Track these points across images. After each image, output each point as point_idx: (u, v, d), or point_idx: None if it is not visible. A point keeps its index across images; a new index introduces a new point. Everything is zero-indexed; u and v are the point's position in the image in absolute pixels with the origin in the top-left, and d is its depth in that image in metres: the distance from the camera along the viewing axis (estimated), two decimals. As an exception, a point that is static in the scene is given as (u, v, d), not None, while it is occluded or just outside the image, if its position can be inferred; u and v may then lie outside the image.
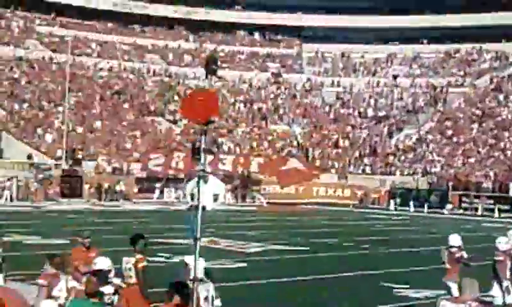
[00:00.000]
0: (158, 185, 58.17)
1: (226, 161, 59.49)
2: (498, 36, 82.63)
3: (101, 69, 78.52)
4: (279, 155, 65.40)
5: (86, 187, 55.39)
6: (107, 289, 9.51)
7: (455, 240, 15.52)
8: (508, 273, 15.18)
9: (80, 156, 59.96)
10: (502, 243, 15.28)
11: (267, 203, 57.36)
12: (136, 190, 57.99)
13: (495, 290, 15.00)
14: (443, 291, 18.48)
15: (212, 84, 12.89)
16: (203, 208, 9.79)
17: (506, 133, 67.58)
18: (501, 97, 74.80)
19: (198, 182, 9.78)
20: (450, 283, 14.67)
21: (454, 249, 15.34)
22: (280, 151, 69.96)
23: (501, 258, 15.09)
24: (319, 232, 35.94)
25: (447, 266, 15.27)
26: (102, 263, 10.90)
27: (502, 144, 65.93)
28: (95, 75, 76.80)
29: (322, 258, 25.72)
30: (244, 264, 22.78)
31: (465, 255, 15.35)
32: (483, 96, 76.54)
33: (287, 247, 27.77)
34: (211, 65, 10.52)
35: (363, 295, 18.17)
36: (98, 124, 66.72)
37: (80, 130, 64.71)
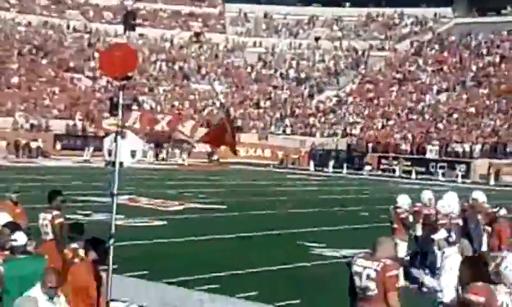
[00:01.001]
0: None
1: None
2: (419, 0, 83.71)
3: (19, 24, 76.84)
4: (200, 115, 65.16)
5: (2, 143, 54.32)
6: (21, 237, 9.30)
7: (402, 200, 15.82)
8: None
9: (-4, 111, 58.82)
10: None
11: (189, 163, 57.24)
12: (59, 147, 57.30)
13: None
14: (359, 251, 18.81)
15: (131, 40, 12.74)
16: (121, 164, 9.72)
17: (425, 97, 68.72)
18: (420, 61, 75.90)
19: (115, 138, 9.69)
20: (398, 240, 14.95)
21: (400, 210, 15.62)
22: (202, 110, 69.85)
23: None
24: (238, 191, 36.07)
25: (395, 225, 15.54)
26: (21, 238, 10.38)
27: (420, 107, 67.05)
28: (12, 29, 75.11)
29: (240, 216, 25.82)
30: (164, 222, 22.75)
31: (410, 218, 15.59)
32: (403, 60, 77.57)
33: (206, 206, 27.80)
34: (129, 20, 10.39)
35: (280, 254, 18.33)
36: (15, 80, 65.40)
37: (-3, 85, 63.45)
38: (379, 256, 8.20)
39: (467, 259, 8.70)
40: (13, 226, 9.81)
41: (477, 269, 7.84)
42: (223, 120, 13.41)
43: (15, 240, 9.22)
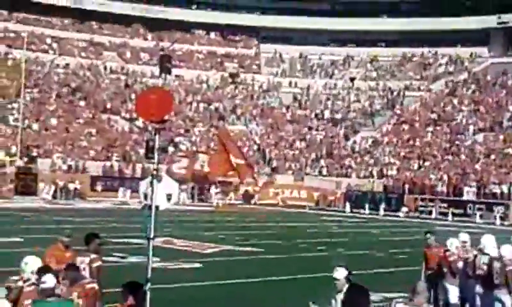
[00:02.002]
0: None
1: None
2: (454, 40, 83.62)
3: (57, 66, 77.88)
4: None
5: (40, 184, 54.83)
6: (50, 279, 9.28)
7: (450, 243, 15.37)
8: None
9: (35, 153, 59.37)
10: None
11: (226, 204, 57.18)
12: (99, 188, 57.73)
13: None
14: (397, 294, 18.57)
15: (167, 82, 12.84)
16: (157, 207, 9.73)
17: (460, 137, 68.27)
18: (455, 101, 75.53)
19: (151, 181, 9.72)
20: (447, 284, 14.75)
21: (448, 253, 15.24)
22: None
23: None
24: (275, 233, 35.94)
25: (444, 269, 15.15)
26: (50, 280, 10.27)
27: (456, 148, 66.55)
28: (51, 71, 76.10)
29: (276, 259, 25.69)
30: (200, 265, 22.69)
31: (460, 264, 15.11)
32: (438, 100, 77.25)
33: (243, 249, 27.71)
34: (165, 63, 10.47)
35: (317, 296, 18.16)
36: (53, 121, 66.09)
37: (35, 127, 64.08)
38: (419, 302, 8.11)
39: None
40: (43, 269, 9.83)
41: None
42: (219, 138, 13.15)
43: (44, 283, 9.24)
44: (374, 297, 18.10)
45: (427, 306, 8.16)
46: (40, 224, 31.16)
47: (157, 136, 9.82)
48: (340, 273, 10.11)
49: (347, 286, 9.84)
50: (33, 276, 9.68)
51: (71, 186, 55.57)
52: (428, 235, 16.54)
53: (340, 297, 10.01)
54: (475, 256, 14.68)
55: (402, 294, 18.23)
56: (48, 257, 12.33)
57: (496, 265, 13.92)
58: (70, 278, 9.79)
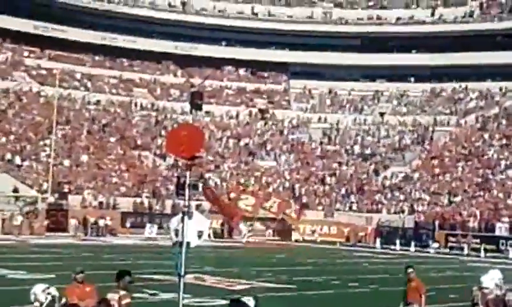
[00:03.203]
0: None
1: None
2: (484, 75, 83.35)
3: (88, 102, 78.56)
4: (265, 191, 65.04)
5: (71, 221, 55.08)
6: None
7: (487, 280, 15.23)
8: None
9: (66, 189, 59.75)
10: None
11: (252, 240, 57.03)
12: (127, 225, 57.96)
13: None
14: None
15: (197, 118, 12.88)
16: (188, 244, 9.72)
17: (491, 173, 67.78)
18: (486, 136, 75.11)
19: (182, 218, 9.71)
20: None
21: (487, 291, 15.09)
22: (267, 187, 69.90)
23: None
24: (306, 270, 35.77)
25: None
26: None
27: (487, 184, 66.05)
28: (82, 108, 76.76)
29: (309, 296, 25.55)
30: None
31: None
32: (469, 135, 76.83)
33: (274, 285, 27.59)
34: (196, 100, 10.53)
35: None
36: (84, 157, 66.54)
37: (67, 163, 64.53)
38: None
39: None
40: None
41: None
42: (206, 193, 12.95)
43: None
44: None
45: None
46: (71, 260, 31.24)
47: (187, 172, 9.82)
48: (250, 303, 9.96)
49: None
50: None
51: (101, 222, 55.75)
52: (410, 270, 17.29)
53: None
54: (505, 294, 14.54)
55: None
56: (69, 295, 12.42)
57: None
58: None
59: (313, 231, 62.40)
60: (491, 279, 15.07)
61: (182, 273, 9.70)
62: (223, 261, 37.89)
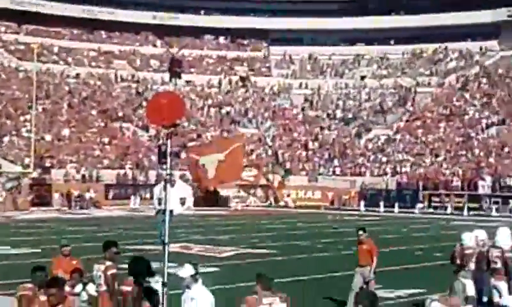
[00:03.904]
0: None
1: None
2: (464, 35, 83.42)
3: (68, 76, 78.11)
4: (248, 158, 65.10)
5: (55, 195, 54.96)
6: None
7: (467, 238, 15.45)
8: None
9: (48, 164, 59.53)
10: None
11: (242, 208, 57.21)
12: (110, 197, 57.88)
13: None
14: (413, 291, 18.55)
15: (178, 88, 12.83)
16: (171, 212, 9.72)
17: (473, 132, 68.07)
18: (467, 96, 75.35)
19: (164, 186, 9.70)
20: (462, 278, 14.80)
21: (465, 247, 15.35)
22: (250, 154, 69.97)
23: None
24: (291, 234, 35.89)
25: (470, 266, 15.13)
26: None
27: (469, 143, 66.35)
28: (62, 82, 76.33)
29: (293, 260, 25.66)
30: (217, 268, 22.68)
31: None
32: (450, 95, 77.06)
33: (259, 251, 27.68)
34: (175, 68, 10.47)
35: (335, 296, 18.14)
36: (66, 131, 66.25)
37: (48, 138, 64.22)
38: (457, 301, 8.12)
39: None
40: (52, 280, 9.88)
41: None
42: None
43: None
44: (392, 294, 18.12)
45: (464, 306, 8.18)
46: (56, 234, 31.20)
47: (169, 141, 9.78)
48: (186, 271, 9.99)
49: (195, 284, 9.79)
50: None
51: (85, 195, 55.66)
52: (360, 232, 16.93)
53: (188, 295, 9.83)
54: (488, 251, 14.75)
55: (417, 290, 18.24)
56: (55, 269, 12.44)
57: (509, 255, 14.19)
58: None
59: (298, 197, 62.61)
60: (470, 237, 15.35)
61: (166, 240, 9.70)
62: (209, 229, 37.94)
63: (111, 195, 58.56)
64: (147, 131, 70.02)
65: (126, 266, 9.95)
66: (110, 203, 56.57)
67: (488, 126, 68.46)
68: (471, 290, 14.90)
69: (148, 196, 52.86)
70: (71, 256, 13.47)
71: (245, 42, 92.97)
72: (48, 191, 55.63)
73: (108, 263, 11.78)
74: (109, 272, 11.60)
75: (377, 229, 40.20)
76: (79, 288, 9.51)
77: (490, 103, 72.57)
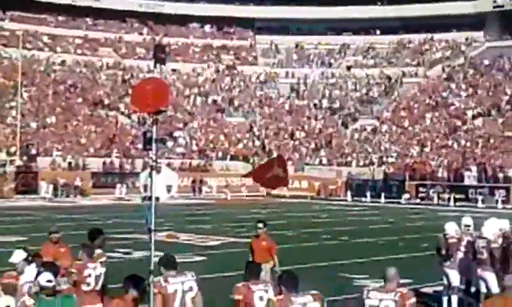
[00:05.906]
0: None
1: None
2: (449, 25, 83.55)
3: (53, 63, 77.71)
4: (235, 147, 65.04)
5: (41, 183, 54.67)
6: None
7: (450, 228, 15.45)
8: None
9: (34, 151, 59.23)
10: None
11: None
12: (96, 185, 57.57)
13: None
14: (401, 281, 18.50)
15: (163, 76, 12.73)
16: (157, 199, 9.62)
17: (459, 122, 68.21)
18: (453, 86, 75.51)
19: (150, 173, 9.60)
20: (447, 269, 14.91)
21: (448, 236, 15.38)
22: (237, 143, 70.01)
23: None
24: (277, 224, 35.83)
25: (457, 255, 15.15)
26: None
27: (455, 133, 66.48)
28: (47, 69, 75.94)
29: (279, 249, 25.58)
30: (203, 258, 22.62)
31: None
32: (436, 86, 77.21)
33: (245, 240, 27.60)
34: (159, 53, 10.34)
35: (321, 286, 18.08)
36: (52, 119, 65.95)
37: (34, 125, 63.93)
38: (393, 287, 8.33)
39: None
40: (47, 265, 9.79)
41: None
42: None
43: (47, 280, 9.09)
44: (378, 284, 18.06)
45: (404, 289, 8.44)
46: (42, 222, 31.06)
47: (154, 127, 9.67)
48: (18, 256, 9.89)
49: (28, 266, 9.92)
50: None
51: (71, 183, 55.34)
52: (259, 225, 16.06)
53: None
54: (474, 241, 14.79)
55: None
56: (44, 255, 12.32)
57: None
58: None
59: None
60: (453, 226, 15.41)
61: (152, 227, 9.60)
62: (196, 218, 37.87)
63: (97, 183, 58.21)
64: (133, 119, 69.77)
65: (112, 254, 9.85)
66: (96, 192, 56.28)
67: (474, 117, 68.58)
68: (455, 280, 14.99)
69: (135, 184, 52.66)
70: (60, 243, 13.31)
71: (231, 30, 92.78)
72: (34, 179, 55.29)
73: (97, 251, 11.69)
74: (98, 260, 11.36)
75: (364, 219, 40.35)
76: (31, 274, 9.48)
77: (476, 93, 72.73)
